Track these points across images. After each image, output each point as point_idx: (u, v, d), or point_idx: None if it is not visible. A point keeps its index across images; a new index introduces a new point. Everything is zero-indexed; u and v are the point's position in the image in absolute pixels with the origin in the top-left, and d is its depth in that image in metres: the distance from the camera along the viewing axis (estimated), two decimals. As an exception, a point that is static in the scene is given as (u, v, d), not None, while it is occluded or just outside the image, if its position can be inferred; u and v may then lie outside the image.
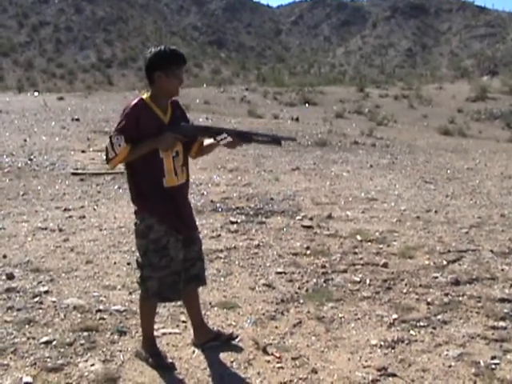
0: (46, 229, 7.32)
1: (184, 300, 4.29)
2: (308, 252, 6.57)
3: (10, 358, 4.00)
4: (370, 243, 6.95)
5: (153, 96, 3.82)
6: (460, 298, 5.28)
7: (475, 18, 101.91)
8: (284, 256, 6.43)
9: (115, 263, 6.02)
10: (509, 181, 11.71)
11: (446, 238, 7.22)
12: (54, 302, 4.99)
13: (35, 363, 3.94)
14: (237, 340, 4.32)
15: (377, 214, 8.43)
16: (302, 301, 5.17)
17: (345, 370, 3.98)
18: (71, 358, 4.04)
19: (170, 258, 3.85)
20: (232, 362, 4.06)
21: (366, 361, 4.10)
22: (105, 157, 3.81)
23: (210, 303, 5.04)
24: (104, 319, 4.67)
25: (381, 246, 6.85)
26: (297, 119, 24.14)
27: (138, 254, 3.99)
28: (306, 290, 5.44)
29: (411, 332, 4.56)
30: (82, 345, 4.22)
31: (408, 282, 5.68)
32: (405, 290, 5.46)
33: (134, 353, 4.10)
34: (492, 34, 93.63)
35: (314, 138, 17.66)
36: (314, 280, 5.70)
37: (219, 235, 7.19)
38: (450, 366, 4.06)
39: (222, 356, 4.12)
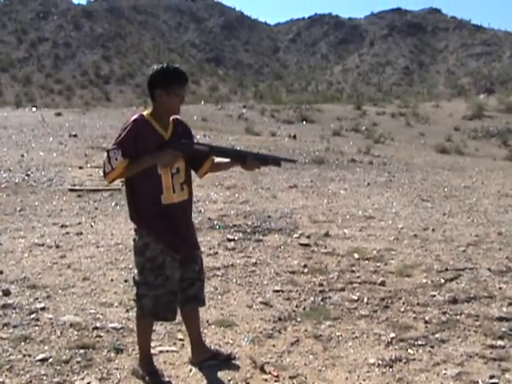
0: (42, 245, 7.30)
1: (183, 318, 4.28)
2: (305, 270, 6.55)
3: (6, 376, 3.97)
4: (367, 261, 6.94)
5: (153, 113, 3.83)
6: (458, 317, 5.27)
7: (472, 37, 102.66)
8: (281, 274, 6.42)
9: (112, 280, 5.99)
10: (506, 199, 11.72)
11: (443, 257, 7.22)
12: (51, 318, 4.96)
13: (31, 381, 3.92)
14: (234, 359, 4.30)
15: (374, 232, 8.43)
16: (299, 319, 5.15)
17: (342, 390, 3.96)
18: (67, 375, 4.01)
19: (166, 277, 3.83)
20: (229, 380, 4.03)
21: (364, 380, 4.08)
22: (102, 171, 3.81)
23: (208, 321, 5.01)
24: (101, 337, 4.64)
25: (378, 264, 6.84)
26: (294, 137, 24.20)
27: (135, 271, 3.98)
28: (304, 309, 5.42)
29: (409, 351, 4.54)
30: (78, 362, 4.19)
31: (406, 300, 5.67)
32: (402, 309, 5.45)
33: (131, 371, 4.07)
34: (488, 52, 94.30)
35: (312, 155, 17.68)
36: (312, 298, 5.68)
37: (216, 253, 7.17)
38: (448, 386, 4.05)
39: (220, 375, 4.09)
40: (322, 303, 5.58)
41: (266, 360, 4.31)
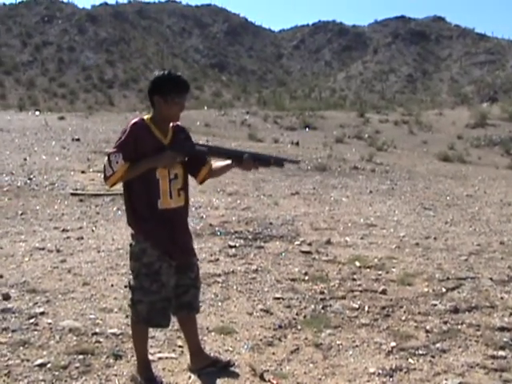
0: (43, 249, 7.29)
1: (180, 325, 4.27)
2: (306, 278, 6.53)
3: (4, 381, 3.95)
4: (368, 270, 6.91)
5: (153, 118, 3.83)
6: (459, 327, 5.23)
7: (475, 45, 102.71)
8: (282, 281, 6.39)
9: (112, 285, 5.98)
10: (508, 208, 11.70)
11: (445, 265, 7.19)
12: (50, 323, 4.95)
13: (29, 386, 3.90)
14: (234, 367, 4.27)
15: (376, 240, 8.41)
16: (299, 327, 5.13)
17: (342, 399, 3.94)
18: (66, 381, 3.99)
19: (162, 284, 3.81)
20: (228, 388, 4.01)
21: (364, 389, 4.06)
22: (103, 175, 3.80)
23: (207, 328, 4.99)
24: (100, 342, 4.62)
25: (380, 272, 6.81)
26: (297, 143, 24.20)
27: (130, 277, 3.96)
28: (304, 317, 5.39)
29: (410, 360, 4.50)
30: (76, 368, 4.17)
31: (407, 309, 5.64)
32: (403, 318, 5.42)
33: (130, 377, 4.05)
34: (492, 61, 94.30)
35: (314, 162, 17.68)
36: (312, 306, 5.66)
37: (217, 259, 7.15)
38: (448, 396, 4.02)
39: (219, 382, 4.07)
40: (322, 311, 5.55)
41: (266, 368, 4.28)
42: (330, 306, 5.70)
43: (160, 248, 3.79)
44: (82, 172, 13.47)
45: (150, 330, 4.27)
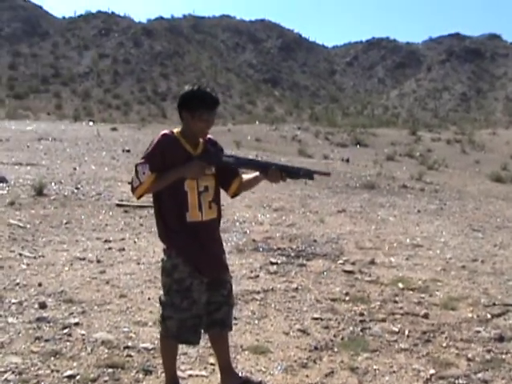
0: (84, 259, 7.31)
1: (211, 343, 4.17)
2: (347, 298, 6.38)
3: (32, 392, 3.93)
4: (411, 292, 6.72)
5: (182, 132, 3.77)
6: (503, 356, 5.00)
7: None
8: (322, 301, 6.25)
9: (149, 299, 5.93)
10: (561, 233, 11.31)
11: (491, 290, 6.94)
12: (83, 335, 4.92)
13: (56, 398, 3.86)
14: (265, 387, 4.17)
15: (421, 262, 8.20)
16: (336, 349, 4.98)
17: (375, 427, 3.79)
18: (93, 395, 3.94)
19: (193, 301, 3.73)
20: (258, 410, 3.90)
21: (399, 418, 3.89)
22: (130, 186, 3.75)
23: (242, 346, 4.89)
24: (131, 356, 4.57)
25: (423, 295, 6.61)
26: (347, 160, 24.02)
27: (161, 292, 3.89)
28: (342, 338, 5.24)
29: (449, 390, 4.32)
30: (105, 382, 4.12)
31: (449, 335, 5.44)
32: (444, 344, 5.21)
33: (158, 394, 3.97)
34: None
35: (363, 180, 17.48)
36: (351, 328, 5.50)
37: (257, 276, 7.05)
38: (488, 430, 3.83)
39: (248, 403, 3.96)
40: (361, 333, 5.39)
41: (298, 391, 4.16)
42: (370, 328, 5.53)
43: (191, 264, 3.71)
44: (130, 183, 13.53)
45: (183, 345, 4.20)
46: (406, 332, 5.46)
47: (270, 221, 10.63)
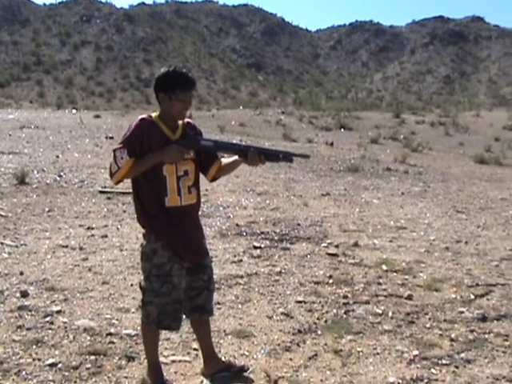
0: (66, 247, 7.26)
1: (193, 328, 4.16)
2: (330, 281, 6.37)
3: (13, 380, 3.89)
4: (395, 274, 6.73)
5: (161, 115, 3.72)
6: (486, 336, 5.01)
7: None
8: (305, 284, 6.25)
9: (132, 285, 5.89)
10: (544, 213, 11.36)
11: (474, 271, 6.97)
12: (65, 322, 4.89)
13: (37, 386, 3.82)
14: (248, 372, 4.15)
15: (405, 244, 8.21)
16: (319, 332, 4.98)
17: (359, 409, 3.79)
18: (75, 382, 3.91)
19: (173, 286, 3.70)
20: (241, 394, 3.89)
21: (382, 399, 3.90)
22: (108, 171, 3.71)
23: (225, 331, 4.87)
24: (113, 343, 4.54)
25: (406, 277, 6.62)
26: (331, 144, 23.98)
27: (141, 277, 3.86)
28: (325, 321, 5.24)
29: (432, 370, 4.31)
30: (87, 369, 4.09)
31: (432, 316, 5.45)
32: (428, 325, 5.22)
33: (140, 380, 3.95)
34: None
35: (347, 163, 17.48)
36: (335, 311, 5.50)
37: (241, 260, 7.03)
38: (471, 409, 3.84)
39: (232, 387, 3.95)
40: (344, 316, 5.39)
41: (281, 374, 4.14)
42: (353, 310, 5.53)
43: (171, 249, 3.68)
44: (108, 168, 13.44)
45: (165, 331, 4.18)
46: (390, 314, 5.46)
47: (253, 205, 10.61)
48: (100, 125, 25.70)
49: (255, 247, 7.66)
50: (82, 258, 6.77)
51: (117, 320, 5.00)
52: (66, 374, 4.01)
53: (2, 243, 7.26)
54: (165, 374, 3.97)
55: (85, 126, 24.43)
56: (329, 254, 7.48)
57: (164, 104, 3.66)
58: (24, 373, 3.98)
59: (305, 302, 5.70)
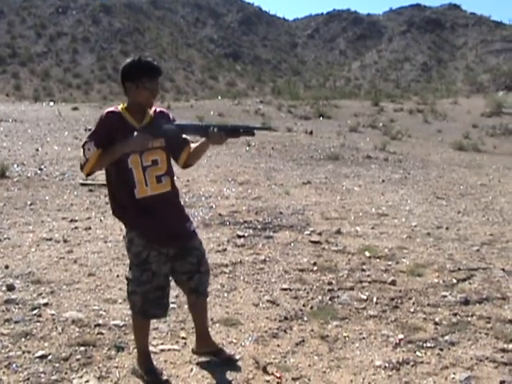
0: (50, 239, 7.25)
1: (189, 309, 4.22)
2: (315, 268, 6.44)
3: (3, 373, 3.90)
4: (378, 260, 6.81)
5: (128, 106, 3.75)
6: (469, 319, 5.11)
7: (491, 33, 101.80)
8: (290, 272, 6.30)
9: (118, 276, 5.92)
10: (523, 198, 11.52)
11: (456, 256, 7.07)
12: (53, 314, 4.90)
13: (28, 378, 3.84)
14: (237, 358, 4.20)
15: (387, 230, 8.30)
16: (306, 318, 5.04)
17: (347, 392, 3.85)
18: (66, 373, 3.93)
19: (152, 273, 3.75)
20: (230, 381, 3.92)
21: (370, 383, 3.96)
22: (79, 166, 3.74)
23: (212, 319, 4.91)
24: (102, 334, 4.56)
25: (389, 262, 6.70)
26: (311, 132, 24.06)
27: (127, 268, 3.91)
28: (311, 308, 5.30)
29: (417, 353, 4.40)
30: (77, 360, 4.11)
31: (416, 300, 5.53)
32: (412, 309, 5.31)
33: (131, 370, 3.98)
34: (508, 49, 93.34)
35: (327, 151, 17.56)
36: (320, 297, 5.56)
37: (225, 249, 7.08)
38: (456, 390, 3.92)
39: (221, 375, 3.98)
40: (329, 302, 5.46)
41: (270, 360, 4.20)
42: (338, 297, 5.60)
43: (145, 236, 3.74)
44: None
45: (154, 321, 4.22)
46: (374, 299, 5.54)
47: (235, 195, 10.64)
48: (78, 117, 25.59)
49: (239, 236, 7.71)
50: (66, 251, 6.77)
51: (104, 311, 5.02)
52: (57, 365, 4.03)
53: (-15, 237, 7.24)
54: (154, 362, 4.01)
55: (63, 119, 24.33)
56: (312, 242, 7.55)
57: (131, 93, 3.69)
58: (14, 365, 4.00)
59: (290, 290, 5.75)
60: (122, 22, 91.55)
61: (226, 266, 6.43)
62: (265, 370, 4.03)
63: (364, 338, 4.66)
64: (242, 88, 71.66)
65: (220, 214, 8.90)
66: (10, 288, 5.47)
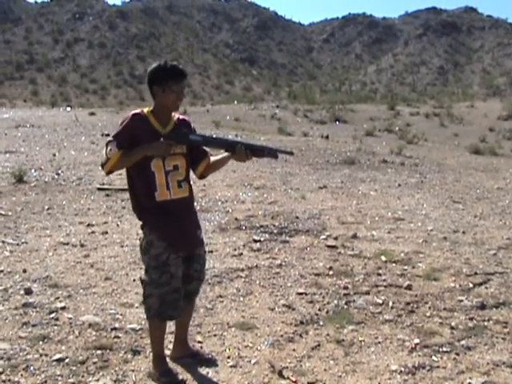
0: (67, 244, 7.30)
1: None
2: (331, 272, 6.44)
3: (21, 375, 3.94)
4: (394, 264, 6.80)
5: (154, 110, 3.84)
6: (485, 323, 5.09)
7: (508, 36, 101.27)
8: (306, 276, 6.31)
9: (134, 280, 5.94)
10: (540, 202, 11.44)
11: (473, 260, 7.04)
12: (70, 318, 4.93)
13: (46, 381, 3.87)
14: (252, 362, 4.21)
15: (403, 235, 8.28)
16: (321, 323, 5.04)
17: (363, 396, 3.85)
18: (82, 376, 3.96)
19: (171, 275, 3.80)
20: (246, 385, 3.94)
21: (385, 387, 3.96)
22: (100, 163, 3.82)
23: (228, 323, 4.93)
24: (119, 337, 4.59)
25: (405, 267, 6.69)
26: (327, 137, 24.08)
27: (142, 272, 3.94)
28: (327, 312, 5.30)
29: (433, 358, 4.38)
30: (94, 363, 4.14)
31: (432, 305, 5.52)
32: (428, 314, 5.29)
33: (147, 373, 4.00)
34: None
35: (343, 156, 17.55)
36: (336, 302, 5.56)
37: (241, 254, 7.09)
38: (472, 395, 3.91)
39: (237, 378, 4.00)
40: (345, 307, 5.45)
41: (285, 364, 4.21)
42: (354, 301, 5.59)
43: (165, 239, 3.79)
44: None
45: (170, 324, 4.24)
46: (390, 303, 5.53)
47: (251, 199, 10.66)
48: (95, 122, 25.73)
49: (255, 241, 7.72)
50: (83, 255, 6.82)
51: (121, 315, 5.06)
52: (74, 368, 4.06)
53: (3, 241, 7.30)
54: (170, 366, 4.04)
55: (80, 124, 24.47)
56: (328, 246, 7.54)
57: (158, 97, 3.78)
58: (32, 368, 4.03)
59: (306, 294, 5.76)
60: (138, 28, 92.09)
61: (242, 270, 6.44)
62: (280, 374, 4.04)
63: (380, 343, 4.65)
64: (258, 93, 71.83)
65: (236, 219, 8.92)
66: (28, 292, 5.51)
